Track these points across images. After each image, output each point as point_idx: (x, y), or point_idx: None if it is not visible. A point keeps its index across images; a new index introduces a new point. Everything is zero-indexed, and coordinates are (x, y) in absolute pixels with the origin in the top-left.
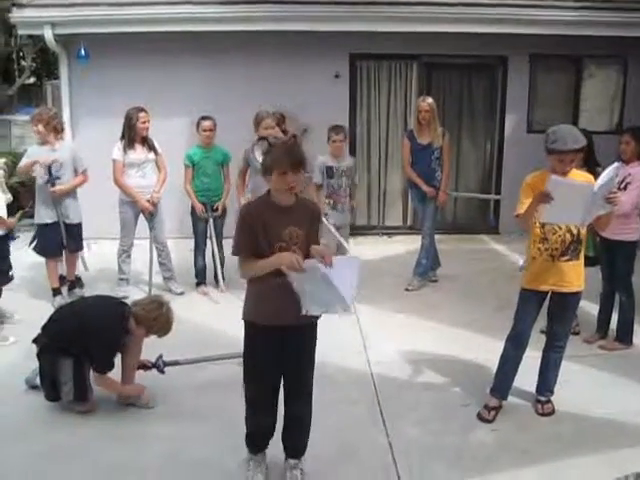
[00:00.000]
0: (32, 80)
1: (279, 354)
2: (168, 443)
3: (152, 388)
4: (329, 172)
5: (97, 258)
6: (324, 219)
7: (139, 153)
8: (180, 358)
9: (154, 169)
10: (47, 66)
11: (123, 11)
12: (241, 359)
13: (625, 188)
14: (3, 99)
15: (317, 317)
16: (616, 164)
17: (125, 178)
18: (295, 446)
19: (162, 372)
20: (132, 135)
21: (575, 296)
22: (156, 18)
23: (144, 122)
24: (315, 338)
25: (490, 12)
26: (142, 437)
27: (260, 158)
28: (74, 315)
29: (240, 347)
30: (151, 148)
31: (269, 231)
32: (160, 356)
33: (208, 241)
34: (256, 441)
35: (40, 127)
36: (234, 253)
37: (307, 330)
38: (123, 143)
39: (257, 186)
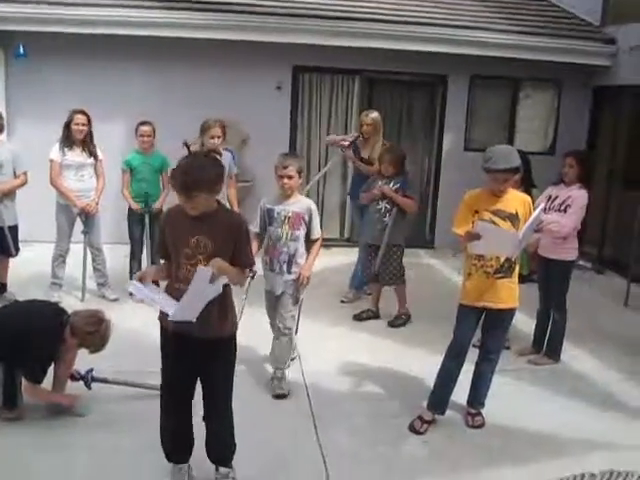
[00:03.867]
0: None
1: (183, 361)
2: (96, 453)
3: (84, 395)
4: (269, 216)
5: (29, 261)
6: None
7: (77, 155)
8: (109, 377)
9: (92, 174)
10: None
11: (63, 10)
12: None
13: (565, 210)
14: None
15: (229, 333)
16: (541, 206)
17: (63, 180)
18: (215, 457)
19: (89, 387)
20: (69, 136)
21: (509, 312)
22: (95, 20)
23: (77, 124)
24: (227, 354)
25: (431, 32)
26: (70, 446)
27: None
28: (10, 319)
29: None
30: (91, 153)
31: (177, 237)
32: (90, 370)
33: (144, 247)
34: (164, 445)
35: None
36: (155, 253)
37: (214, 345)
38: (61, 144)
39: None
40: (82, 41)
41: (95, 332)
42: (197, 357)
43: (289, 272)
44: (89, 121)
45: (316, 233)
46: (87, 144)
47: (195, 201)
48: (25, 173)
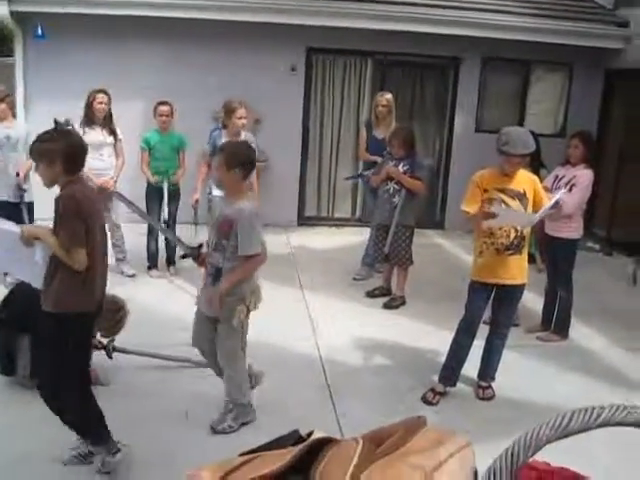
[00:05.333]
0: None
1: None
2: (118, 420)
3: (106, 365)
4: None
5: None
6: None
7: (97, 135)
8: (129, 347)
9: (112, 153)
10: None
11: None
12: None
13: (570, 189)
14: None
15: (50, 308)
16: (562, 191)
17: None
18: None
19: (110, 357)
20: (90, 115)
21: (518, 288)
22: (112, 1)
23: (100, 102)
24: (50, 328)
25: (444, 14)
26: None
27: None
28: (35, 292)
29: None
30: (112, 132)
31: None
32: (112, 340)
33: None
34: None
35: (3, 105)
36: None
37: (44, 317)
38: (82, 123)
39: None
40: (100, 22)
41: (110, 318)
42: None
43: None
44: (109, 100)
45: (243, 249)
46: (107, 123)
47: (38, 168)
48: None
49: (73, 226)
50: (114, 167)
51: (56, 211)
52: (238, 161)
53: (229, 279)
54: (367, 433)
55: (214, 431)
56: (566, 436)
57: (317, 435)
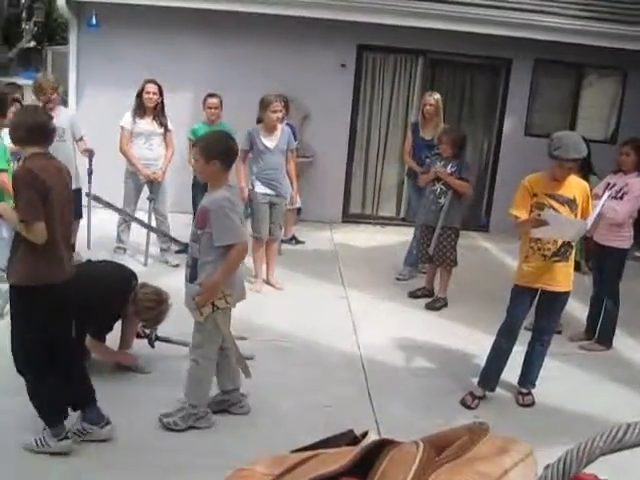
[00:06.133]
0: (32, 44)
1: None
2: (159, 407)
3: (148, 353)
4: None
5: (95, 226)
6: None
7: (148, 124)
8: (172, 337)
9: (161, 143)
10: (48, 31)
11: None
12: None
13: (622, 197)
14: (3, 61)
15: (13, 281)
16: (605, 196)
17: (132, 148)
18: None
19: (152, 346)
20: (140, 105)
21: (563, 295)
22: None
23: (148, 92)
24: (16, 301)
25: (497, 14)
26: (134, 400)
27: (264, 140)
28: (85, 278)
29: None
30: (161, 122)
31: None
32: (154, 329)
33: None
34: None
35: (55, 95)
36: None
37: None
38: (133, 112)
39: (261, 169)
40: (152, 13)
41: (152, 309)
42: None
43: (191, 281)
44: (160, 92)
45: (218, 239)
46: (158, 114)
47: None
48: (82, 137)
49: (29, 199)
50: (163, 157)
51: (13, 185)
52: (216, 152)
53: (221, 271)
54: (427, 437)
55: (160, 422)
56: (620, 449)
57: (373, 436)
